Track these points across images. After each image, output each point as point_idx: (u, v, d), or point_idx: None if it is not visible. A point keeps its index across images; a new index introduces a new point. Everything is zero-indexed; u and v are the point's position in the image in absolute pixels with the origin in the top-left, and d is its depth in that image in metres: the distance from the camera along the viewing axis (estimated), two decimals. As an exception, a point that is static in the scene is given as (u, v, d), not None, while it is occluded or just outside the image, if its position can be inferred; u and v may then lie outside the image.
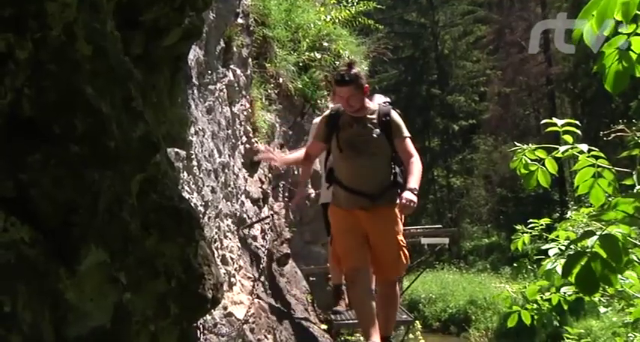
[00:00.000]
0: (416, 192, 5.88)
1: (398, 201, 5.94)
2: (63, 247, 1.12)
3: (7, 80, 1.04)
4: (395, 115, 6.26)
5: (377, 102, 6.75)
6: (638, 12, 2.83)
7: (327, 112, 6.54)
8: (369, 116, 6.18)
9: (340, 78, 6.05)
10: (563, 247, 4.27)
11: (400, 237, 6.22)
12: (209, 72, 7.02)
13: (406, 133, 6.19)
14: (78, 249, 1.14)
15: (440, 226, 25.36)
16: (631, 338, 5.10)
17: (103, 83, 1.17)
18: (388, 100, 6.92)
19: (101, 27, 1.19)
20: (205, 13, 6.70)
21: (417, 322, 14.88)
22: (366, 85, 6.63)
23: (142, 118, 1.26)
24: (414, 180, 5.92)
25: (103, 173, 1.17)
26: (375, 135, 6.08)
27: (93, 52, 1.16)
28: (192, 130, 6.20)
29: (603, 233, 3.42)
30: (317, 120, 7.89)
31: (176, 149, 4.97)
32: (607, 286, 4.13)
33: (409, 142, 6.17)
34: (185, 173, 5.77)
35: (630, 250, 3.78)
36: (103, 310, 1.20)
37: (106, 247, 1.19)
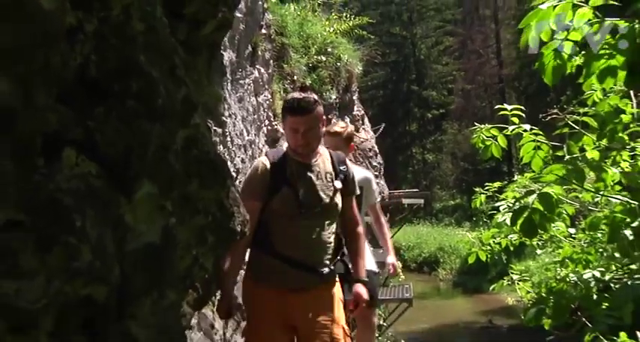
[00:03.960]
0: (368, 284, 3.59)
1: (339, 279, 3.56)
2: (122, 181, 1.11)
3: (77, 47, 1.02)
4: (350, 164, 3.71)
5: None
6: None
7: (263, 162, 3.46)
8: (320, 162, 3.50)
9: (297, 105, 3.33)
10: (511, 204, 4.26)
11: (343, 324, 3.46)
12: (240, 70, 7.01)
13: (355, 190, 3.67)
14: (133, 182, 1.13)
15: (417, 190, 25.42)
16: (559, 272, 5.09)
17: (153, 54, 1.15)
18: None
19: (152, 10, 1.17)
20: (237, 25, 6.68)
21: (399, 263, 14.92)
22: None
23: (185, 84, 1.25)
24: (363, 266, 3.58)
25: (152, 124, 1.16)
26: (336, 185, 3.47)
27: (145, 29, 1.15)
28: (227, 113, 6.19)
29: (541, 192, 3.44)
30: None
31: (214, 127, 4.95)
32: (543, 232, 4.15)
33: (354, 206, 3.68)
34: (221, 146, 5.76)
35: (560, 206, 3.78)
36: (154, 231, 1.20)
37: (155, 182, 1.18)
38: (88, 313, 1.04)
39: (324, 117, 3.50)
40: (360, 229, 3.58)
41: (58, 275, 0.93)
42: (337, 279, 3.54)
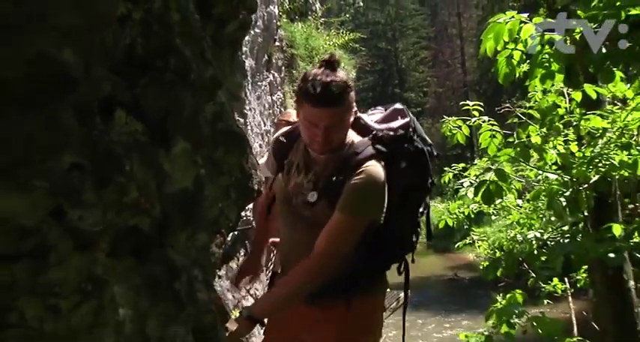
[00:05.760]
0: (256, 317, 1.83)
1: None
2: (162, 138, 1.11)
3: (126, 31, 1.03)
4: (367, 173, 1.83)
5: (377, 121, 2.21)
6: (517, 36, 2.82)
7: (278, 133, 2.21)
8: (334, 161, 1.92)
9: (322, 92, 1.73)
10: (473, 181, 4.28)
11: None
12: (258, 74, 7.01)
13: (351, 209, 1.80)
14: (171, 139, 1.13)
15: (397, 172, 25.38)
16: (509, 233, 5.15)
17: (187, 39, 1.15)
18: (403, 122, 2.23)
19: (186, 4, 1.17)
20: (256, 39, 6.66)
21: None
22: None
23: (211, 65, 1.25)
24: (272, 296, 1.96)
25: (186, 94, 1.16)
26: (310, 199, 1.91)
27: (180, 19, 1.15)
28: (247, 108, 6.19)
29: (497, 168, 3.48)
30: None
31: (237, 118, 4.94)
32: (498, 201, 4.18)
33: (339, 226, 1.80)
34: (243, 133, 5.76)
35: (510, 181, 3.81)
36: (188, 179, 1.20)
37: (188, 140, 1.18)
38: (135, 241, 1.05)
39: (354, 104, 1.93)
40: (309, 261, 1.82)
41: (112, 207, 0.94)
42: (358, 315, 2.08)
